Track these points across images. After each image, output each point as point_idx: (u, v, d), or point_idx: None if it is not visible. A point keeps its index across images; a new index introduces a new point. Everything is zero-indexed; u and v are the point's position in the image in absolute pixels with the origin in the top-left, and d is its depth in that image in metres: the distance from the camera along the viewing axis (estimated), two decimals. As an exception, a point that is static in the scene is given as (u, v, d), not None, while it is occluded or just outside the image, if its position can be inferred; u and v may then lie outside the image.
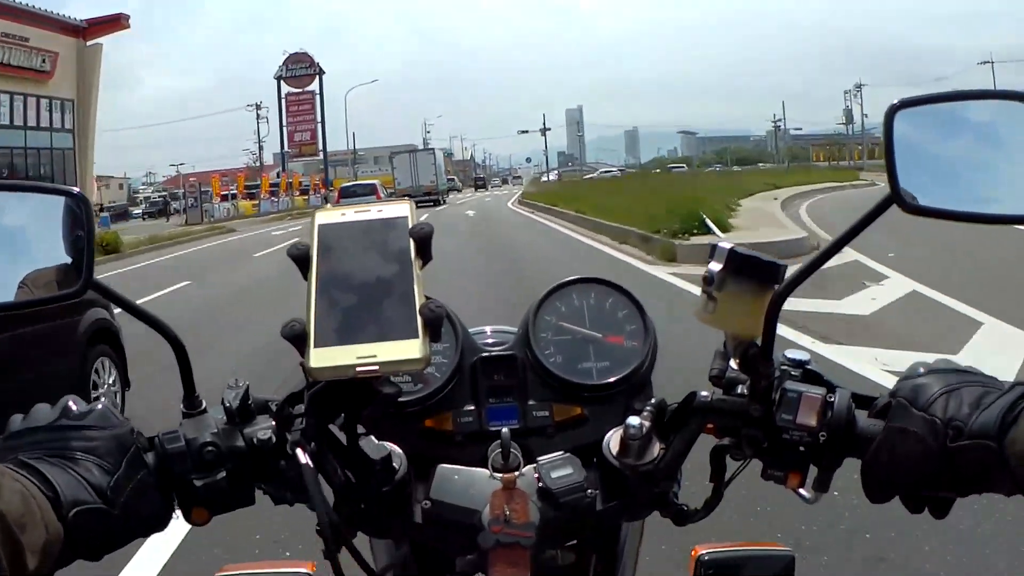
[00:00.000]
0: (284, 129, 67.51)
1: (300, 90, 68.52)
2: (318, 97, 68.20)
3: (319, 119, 68.31)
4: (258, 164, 73.84)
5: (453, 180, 71.09)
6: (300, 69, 67.88)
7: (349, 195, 37.92)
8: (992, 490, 0.68)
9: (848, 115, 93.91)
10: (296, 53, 68.31)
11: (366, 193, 37.55)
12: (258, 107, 73.50)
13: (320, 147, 69.10)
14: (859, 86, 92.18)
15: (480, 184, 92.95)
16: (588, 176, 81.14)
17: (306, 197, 58.65)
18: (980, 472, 0.67)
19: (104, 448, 0.67)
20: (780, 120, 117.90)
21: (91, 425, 0.68)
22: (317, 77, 67.71)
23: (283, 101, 67.81)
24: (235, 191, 53.88)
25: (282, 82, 67.42)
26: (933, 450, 0.68)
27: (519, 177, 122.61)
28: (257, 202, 51.87)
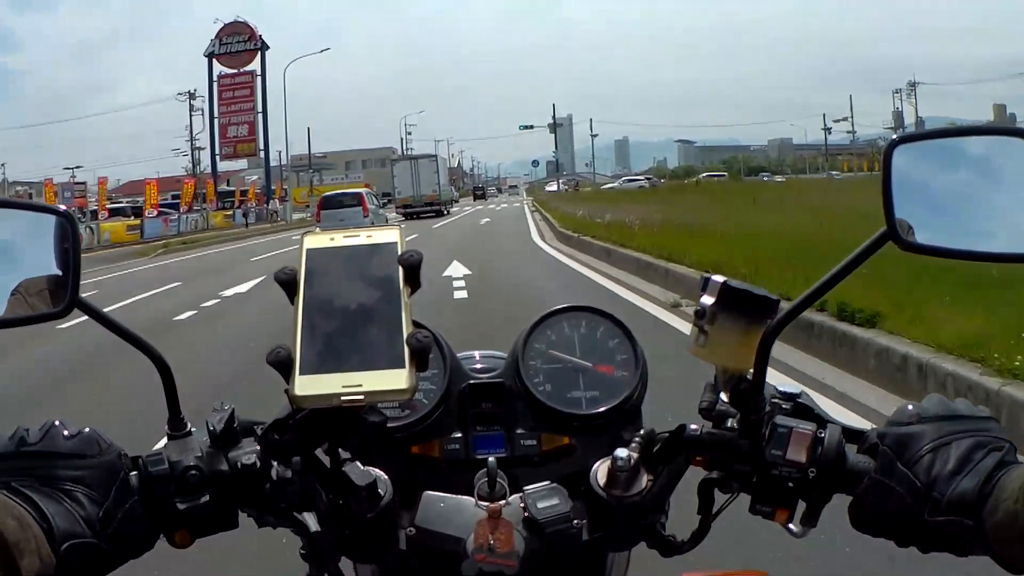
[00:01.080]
0: (215, 121, 52.11)
1: (236, 70, 52.57)
2: (259, 79, 52.04)
3: (260, 108, 52.09)
4: (190, 169, 56.99)
5: (451, 190, 57.43)
6: (237, 43, 52.31)
7: (331, 206, 31.18)
8: (968, 555, 0.67)
9: (898, 117, 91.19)
10: (232, 23, 52.78)
11: (352, 204, 31.03)
12: (191, 96, 56.54)
13: (261, 145, 52.50)
14: (913, 84, 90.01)
15: (480, 194, 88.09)
16: (608, 186, 75.89)
17: (229, 213, 44.79)
18: (956, 544, 0.67)
19: (93, 478, 0.67)
20: (837, 121, 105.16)
21: (80, 453, 0.68)
22: (258, 53, 52.26)
23: (214, 85, 52.30)
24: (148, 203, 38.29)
25: (214, 60, 52.47)
26: (912, 515, 0.68)
27: (514, 186, 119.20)
28: (140, 222, 35.44)
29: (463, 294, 10.24)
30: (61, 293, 0.72)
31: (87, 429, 0.69)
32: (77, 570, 0.63)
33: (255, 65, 52.48)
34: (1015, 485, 0.62)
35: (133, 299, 12.68)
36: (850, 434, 0.76)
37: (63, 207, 0.73)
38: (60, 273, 0.72)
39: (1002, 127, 0.74)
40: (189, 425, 0.75)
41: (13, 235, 0.74)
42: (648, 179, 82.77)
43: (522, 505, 0.76)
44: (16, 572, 0.55)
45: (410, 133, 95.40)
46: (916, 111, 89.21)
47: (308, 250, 0.69)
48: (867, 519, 0.71)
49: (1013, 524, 0.61)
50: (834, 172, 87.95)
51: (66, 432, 0.68)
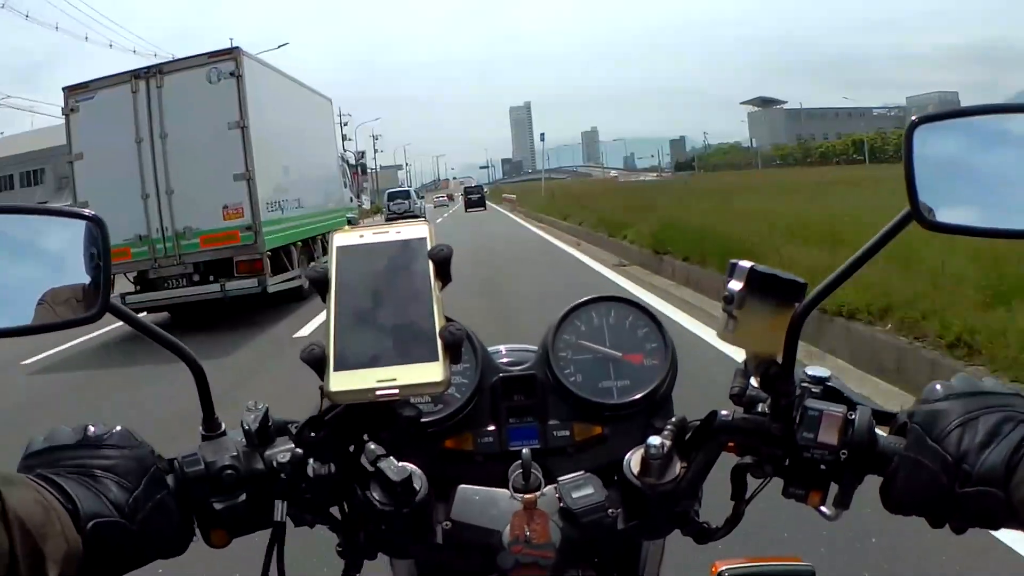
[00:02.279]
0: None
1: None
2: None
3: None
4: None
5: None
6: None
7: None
8: (998, 528, 0.68)
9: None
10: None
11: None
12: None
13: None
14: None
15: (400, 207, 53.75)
16: (611, 175, 72.01)
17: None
18: (987, 516, 0.67)
19: (124, 467, 0.67)
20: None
21: (112, 444, 0.68)
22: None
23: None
24: None
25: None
26: (943, 489, 0.68)
27: (445, 198, 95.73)
28: None
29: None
30: (91, 298, 0.72)
31: (119, 427, 0.70)
32: (105, 552, 0.63)
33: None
34: None
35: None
36: (880, 416, 0.76)
37: (90, 211, 0.74)
38: (88, 279, 0.73)
39: (1020, 104, 0.74)
40: (223, 426, 0.75)
41: (39, 240, 0.75)
42: (660, 174, 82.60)
43: (557, 496, 0.76)
44: (40, 556, 0.55)
45: (346, 123, 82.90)
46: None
47: (338, 247, 0.70)
48: (899, 497, 0.72)
49: None
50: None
51: (96, 429, 0.69)
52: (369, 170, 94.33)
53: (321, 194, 14.03)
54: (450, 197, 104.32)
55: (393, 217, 43.06)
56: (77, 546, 0.60)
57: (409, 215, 44.54)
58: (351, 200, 19.84)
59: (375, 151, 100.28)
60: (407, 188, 55.73)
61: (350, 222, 16.43)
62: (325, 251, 11.45)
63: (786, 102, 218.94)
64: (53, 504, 0.60)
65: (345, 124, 75.58)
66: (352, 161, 23.84)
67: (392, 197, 49.66)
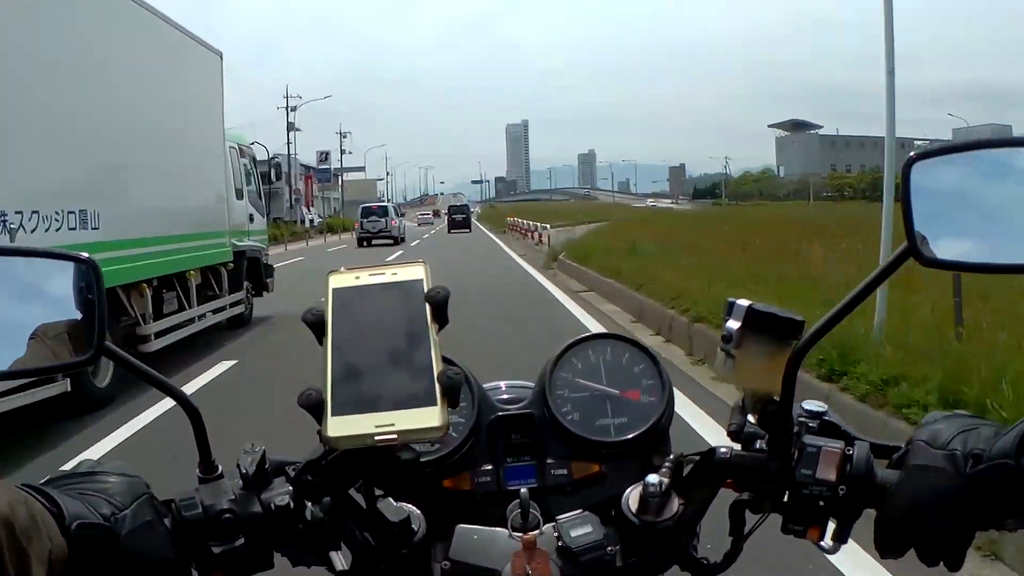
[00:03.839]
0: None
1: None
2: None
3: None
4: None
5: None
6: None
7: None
8: (1012, 516, 0.68)
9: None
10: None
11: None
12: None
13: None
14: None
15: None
16: (651, 204, 65.58)
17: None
18: (1001, 494, 0.67)
19: (115, 490, 0.68)
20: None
21: (105, 471, 0.69)
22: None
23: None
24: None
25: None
26: (954, 480, 0.68)
27: (430, 215, 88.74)
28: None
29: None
30: (85, 339, 0.71)
31: (117, 461, 0.71)
32: (91, 554, 0.63)
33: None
34: None
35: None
36: (878, 449, 0.76)
37: (85, 255, 0.73)
38: (80, 317, 0.72)
39: (1018, 138, 0.74)
40: (220, 468, 0.74)
41: (28, 281, 0.74)
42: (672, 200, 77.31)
43: (556, 534, 0.76)
44: (25, 557, 0.56)
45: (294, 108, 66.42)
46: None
47: (334, 289, 0.69)
48: (899, 523, 0.71)
49: None
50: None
51: (91, 464, 0.70)
52: (334, 176, 79.74)
53: (174, 202, 8.37)
54: (436, 214, 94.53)
55: (366, 238, 37.81)
56: (63, 548, 0.60)
57: (384, 235, 37.89)
58: (257, 216, 11.47)
59: (342, 152, 79.47)
60: (385, 203, 45.15)
61: (246, 256, 10.66)
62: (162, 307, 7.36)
63: (821, 127, 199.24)
64: (39, 508, 0.60)
65: (293, 109, 59.89)
66: (263, 156, 12.98)
67: (366, 213, 39.59)
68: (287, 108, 62.35)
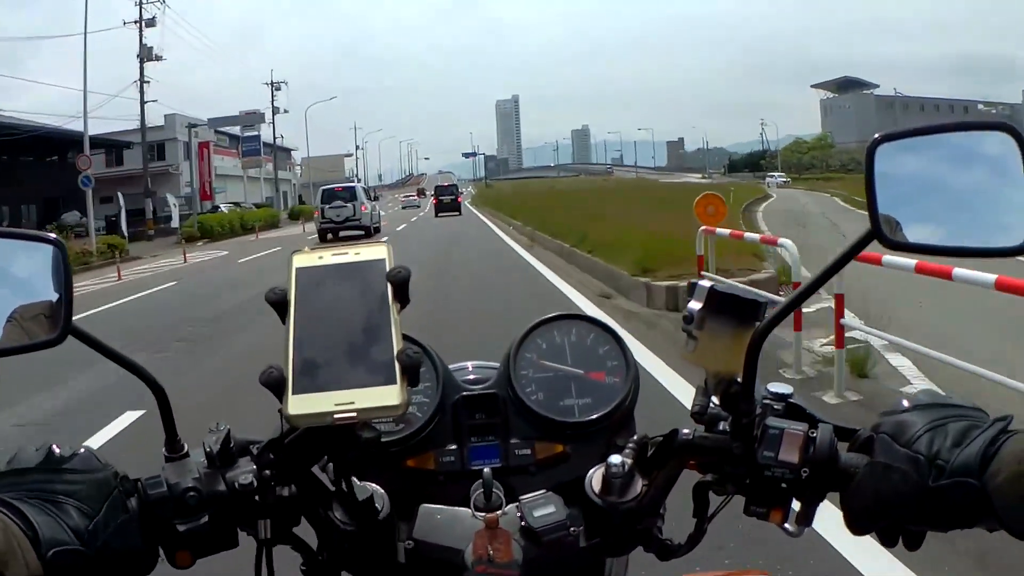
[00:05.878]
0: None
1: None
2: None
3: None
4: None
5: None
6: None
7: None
8: (974, 526, 0.67)
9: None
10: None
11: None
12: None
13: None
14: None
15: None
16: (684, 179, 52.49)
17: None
18: (963, 510, 0.67)
19: (85, 492, 0.67)
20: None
21: (74, 469, 0.68)
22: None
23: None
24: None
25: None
26: (916, 488, 0.68)
27: (415, 196, 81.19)
28: None
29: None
30: (56, 320, 0.72)
31: (82, 449, 0.70)
32: (65, 574, 0.63)
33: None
34: (1018, 447, 0.63)
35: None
36: (842, 432, 0.76)
37: (53, 235, 0.74)
38: (55, 299, 0.73)
39: (983, 122, 0.74)
40: (186, 447, 0.75)
41: (7, 262, 0.75)
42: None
43: (519, 514, 0.77)
44: None
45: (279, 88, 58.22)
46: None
47: (297, 269, 0.70)
48: (863, 510, 0.71)
49: (1017, 485, 0.61)
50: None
51: (60, 451, 0.69)
52: (276, 151, 60.01)
53: None
54: (421, 193, 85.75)
55: (330, 228, 29.09)
56: (38, 570, 0.61)
57: (352, 225, 29.17)
58: None
59: (274, 111, 60.27)
60: (353, 183, 36.46)
61: None
62: None
63: (878, 85, 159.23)
64: (14, 531, 0.60)
65: (278, 88, 53.11)
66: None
67: (328, 197, 29.87)
68: (271, 86, 58.24)
